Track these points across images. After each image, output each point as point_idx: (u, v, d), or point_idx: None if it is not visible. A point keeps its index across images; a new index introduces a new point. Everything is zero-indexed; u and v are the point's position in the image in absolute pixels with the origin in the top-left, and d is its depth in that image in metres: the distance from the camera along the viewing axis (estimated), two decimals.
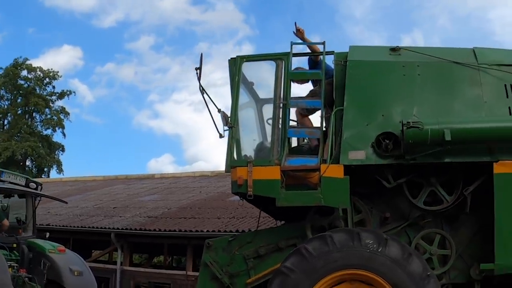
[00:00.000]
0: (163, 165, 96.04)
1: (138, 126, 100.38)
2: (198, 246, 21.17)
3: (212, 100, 9.89)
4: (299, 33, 9.99)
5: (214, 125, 9.91)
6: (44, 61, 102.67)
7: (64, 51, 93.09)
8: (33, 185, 13.38)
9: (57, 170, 61.63)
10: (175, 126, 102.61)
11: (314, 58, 10.18)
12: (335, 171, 8.94)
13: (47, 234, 14.09)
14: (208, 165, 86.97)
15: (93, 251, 29.84)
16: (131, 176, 37.19)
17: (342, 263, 8.42)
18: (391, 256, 8.32)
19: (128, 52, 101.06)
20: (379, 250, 8.36)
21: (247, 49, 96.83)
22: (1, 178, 12.60)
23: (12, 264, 12.05)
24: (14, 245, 12.64)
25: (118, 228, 23.66)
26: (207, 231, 20.55)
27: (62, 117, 62.22)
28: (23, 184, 13.18)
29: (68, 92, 62.92)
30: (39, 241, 13.13)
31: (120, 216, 25.72)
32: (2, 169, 13.31)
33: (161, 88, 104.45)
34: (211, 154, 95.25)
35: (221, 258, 10.16)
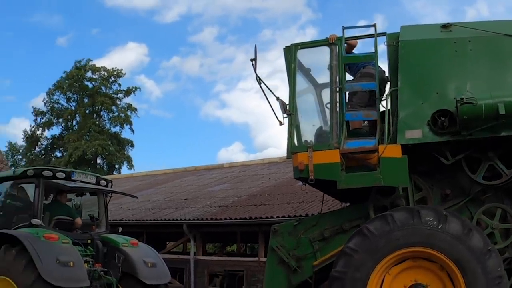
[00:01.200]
0: (233, 154, 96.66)
1: (205, 117, 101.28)
2: (269, 233, 21.40)
3: (270, 89, 10.10)
4: None
5: (273, 113, 10.12)
6: (110, 60, 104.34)
7: (130, 49, 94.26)
8: (103, 182, 13.72)
9: (128, 166, 62.66)
10: (242, 114, 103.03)
11: (350, 44, 10.33)
12: (393, 151, 9.07)
13: (120, 229, 14.42)
14: (278, 151, 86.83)
15: (167, 243, 30.30)
16: (200, 167, 37.53)
17: (403, 241, 8.55)
18: (451, 232, 8.41)
19: (192, 45, 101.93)
20: (439, 226, 8.45)
21: (311, 33, 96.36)
22: (72, 178, 12.93)
23: (88, 259, 12.37)
24: (89, 241, 12.96)
25: (189, 219, 24.00)
26: (277, 217, 20.65)
27: (129, 113, 63.13)
28: (94, 182, 13.51)
29: (133, 89, 63.92)
30: (113, 236, 13.44)
31: (191, 207, 26.05)
32: (72, 169, 13.71)
33: (226, 78, 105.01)
34: (281, 140, 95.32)
35: (287, 242, 10.38)
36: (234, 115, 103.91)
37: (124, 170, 61.68)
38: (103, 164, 61.56)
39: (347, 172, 9.36)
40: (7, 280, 11.15)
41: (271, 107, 10.06)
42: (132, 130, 63.30)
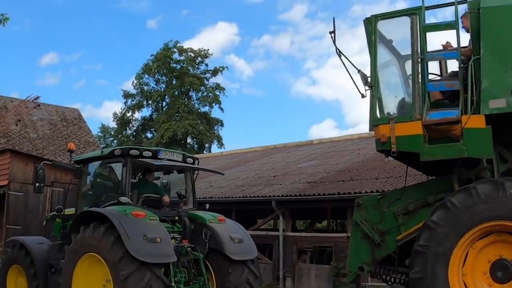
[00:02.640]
0: (324, 130, 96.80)
1: (296, 95, 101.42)
2: None
3: (350, 62, 9.99)
4: None
5: (355, 86, 10.01)
6: (200, 40, 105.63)
7: (220, 29, 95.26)
8: (190, 160, 13.79)
9: (218, 145, 63.42)
10: (334, 91, 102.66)
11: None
12: (476, 122, 8.84)
13: (207, 206, 14.51)
14: None
15: (258, 220, 30.48)
16: (289, 144, 37.52)
17: (487, 214, 8.40)
18: None
19: (283, 23, 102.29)
20: None
21: (402, 7, 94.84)
22: (159, 156, 13.06)
23: (175, 236, 12.47)
24: (176, 218, 13.06)
25: (278, 196, 24.07)
26: (366, 192, 20.49)
27: (218, 93, 63.66)
28: (180, 160, 13.59)
29: (221, 68, 64.47)
30: (200, 213, 13.50)
31: (280, 184, 26.12)
32: (158, 147, 13.84)
33: (317, 55, 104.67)
34: None
35: (371, 216, 10.28)
36: (325, 91, 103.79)
37: (214, 149, 62.56)
38: (193, 143, 62.40)
39: (429, 144, 9.20)
40: (96, 257, 11.39)
41: (352, 79, 9.96)
42: (222, 109, 63.99)
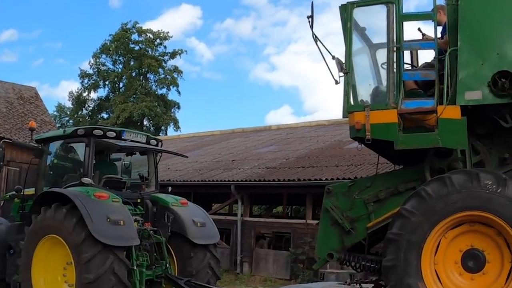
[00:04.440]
0: (282, 116, 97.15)
1: (255, 80, 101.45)
2: (317, 195, 21.42)
3: (326, 48, 9.93)
4: None
5: (329, 72, 9.94)
6: (162, 22, 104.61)
7: (183, 11, 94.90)
8: (153, 142, 13.62)
9: (174, 128, 63.25)
10: (292, 77, 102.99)
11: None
12: (452, 112, 8.88)
13: (169, 189, 14.37)
14: (328, 114, 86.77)
15: (213, 204, 30.45)
16: (247, 129, 37.60)
17: (461, 204, 8.45)
18: (510, 197, 8.27)
19: (246, 7, 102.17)
20: (498, 190, 8.32)
21: None
22: (123, 137, 12.87)
23: (138, 219, 12.33)
24: (138, 200, 12.93)
25: (238, 180, 24.07)
26: (326, 179, 20.65)
27: (175, 75, 63.37)
28: (144, 141, 13.43)
29: (179, 51, 64.14)
30: (162, 195, 13.38)
31: (239, 169, 26.15)
32: (123, 128, 13.64)
33: (278, 41, 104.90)
34: (330, 104, 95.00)
35: (341, 203, 10.23)
36: (284, 78, 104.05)
37: (171, 131, 62.35)
38: (149, 125, 62.13)
39: (404, 133, 9.22)
40: (57, 238, 11.20)
41: (327, 65, 9.90)
42: (179, 92, 63.76)
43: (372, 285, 11.26)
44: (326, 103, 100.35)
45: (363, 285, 11.72)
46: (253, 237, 24.80)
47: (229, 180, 24.58)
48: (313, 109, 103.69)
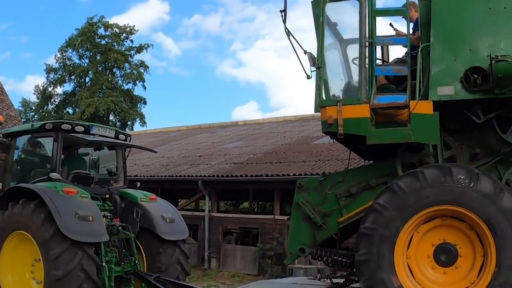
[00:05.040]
0: (248, 112, 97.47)
1: (221, 76, 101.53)
2: (285, 190, 21.49)
3: (298, 42, 9.93)
4: None
5: (301, 66, 9.92)
6: (130, 16, 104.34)
7: (151, 6, 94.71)
8: (122, 136, 13.54)
9: (140, 123, 62.99)
10: (259, 74, 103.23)
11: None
12: (424, 107, 8.91)
13: (138, 184, 14.35)
14: (295, 110, 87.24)
15: (179, 200, 30.37)
16: (214, 125, 37.59)
17: (434, 199, 8.49)
18: (483, 191, 8.32)
19: (214, 3, 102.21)
20: (471, 185, 8.37)
21: None
22: (91, 132, 12.78)
23: (106, 214, 12.27)
24: (107, 196, 12.88)
25: (205, 176, 24.04)
26: (294, 174, 20.71)
27: (142, 70, 63.09)
28: (113, 136, 13.35)
29: (146, 46, 63.75)
30: (131, 191, 13.33)
31: (206, 164, 26.14)
32: (91, 123, 13.53)
33: (245, 37, 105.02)
34: (296, 100, 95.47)
35: (313, 197, 10.21)
36: (250, 74, 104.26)
37: (137, 127, 62.13)
38: (115, 121, 61.75)
39: (376, 128, 9.24)
40: (25, 235, 11.12)
41: (299, 60, 9.89)
42: (145, 87, 63.48)
43: (343, 280, 11.30)
44: (293, 100, 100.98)
45: (333, 280, 11.71)
46: (220, 233, 24.81)
47: (196, 176, 24.54)
48: (279, 105, 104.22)
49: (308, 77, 9.85)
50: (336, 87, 10.19)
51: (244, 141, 30.38)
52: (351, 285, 10.90)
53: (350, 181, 10.13)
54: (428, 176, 8.53)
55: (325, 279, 12.10)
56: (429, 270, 8.75)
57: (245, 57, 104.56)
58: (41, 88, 64.99)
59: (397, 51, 11.06)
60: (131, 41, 63.59)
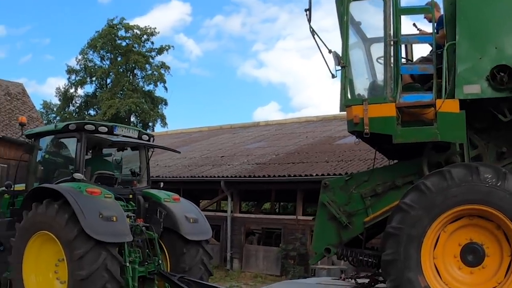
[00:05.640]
0: (269, 113, 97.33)
1: (243, 77, 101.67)
2: (308, 191, 21.41)
3: (323, 41, 9.88)
4: None
5: (326, 66, 9.91)
6: (152, 18, 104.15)
7: (173, 7, 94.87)
8: (145, 137, 13.53)
9: (161, 124, 62.99)
10: (280, 74, 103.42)
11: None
12: (450, 106, 8.86)
13: (161, 184, 14.30)
14: (316, 111, 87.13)
15: (200, 201, 30.36)
16: (236, 125, 37.53)
17: (461, 198, 8.43)
18: (510, 190, 8.26)
19: (236, 4, 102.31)
20: (498, 184, 8.31)
21: None
22: (115, 132, 12.77)
23: (130, 215, 12.26)
24: (130, 196, 12.86)
25: (227, 176, 24.01)
26: (316, 175, 20.62)
27: (163, 72, 63.17)
28: (136, 136, 13.34)
29: (166, 47, 63.80)
30: (154, 191, 13.32)
31: (229, 165, 26.09)
32: (115, 123, 13.52)
33: (267, 38, 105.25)
34: (318, 101, 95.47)
35: (338, 197, 10.19)
36: (272, 74, 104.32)
37: (158, 128, 62.11)
38: (136, 122, 61.84)
39: (402, 127, 9.19)
40: (49, 235, 11.11)
41: (324, 59, 9.85)
42: (166, 88, 63.49)
43: (368, 280, 11.24)
44: (314, 100, 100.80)
45: (358, 280, 11.65)
46: (243, 233, 24.76)
47: (218, 176, 24.51)
48: (301, 106, 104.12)
49: (333, 76, 9.83)
50: (361, 86, 10.16)
51: (266, 141, 30.32)
52: (376, 285, 10.84)
53: (375, 180, 10.10)
54: (455, 175, 8.47)
55: (350, 279, 12.04)
56: (455, 270, 8.70)
57: (267, 57, 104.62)
58: (63, 89, 65.27)
59: (420, 50, 11.00)
60: (152, 42, 63.76)
